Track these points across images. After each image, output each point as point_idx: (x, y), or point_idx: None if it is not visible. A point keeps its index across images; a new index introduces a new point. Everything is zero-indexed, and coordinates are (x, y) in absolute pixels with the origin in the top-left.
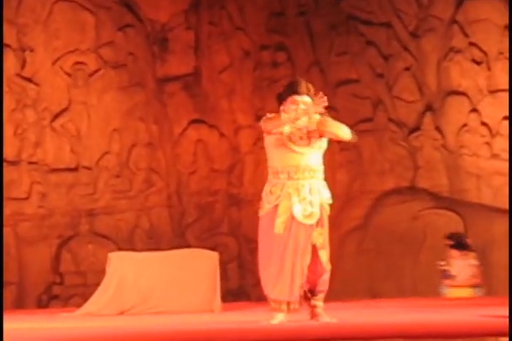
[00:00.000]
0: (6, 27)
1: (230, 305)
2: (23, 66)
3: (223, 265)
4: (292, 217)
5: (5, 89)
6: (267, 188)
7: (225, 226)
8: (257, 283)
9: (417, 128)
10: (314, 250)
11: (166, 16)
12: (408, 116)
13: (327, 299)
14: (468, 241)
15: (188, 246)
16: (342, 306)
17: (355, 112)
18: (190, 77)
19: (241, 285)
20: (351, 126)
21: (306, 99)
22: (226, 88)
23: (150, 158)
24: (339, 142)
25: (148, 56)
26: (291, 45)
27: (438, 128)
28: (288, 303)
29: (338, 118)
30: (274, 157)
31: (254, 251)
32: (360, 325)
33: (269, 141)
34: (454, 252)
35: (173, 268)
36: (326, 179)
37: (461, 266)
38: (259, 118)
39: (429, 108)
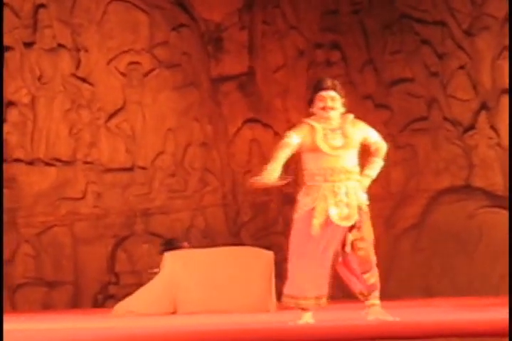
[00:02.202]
0: (60, 27)
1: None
2: (77, 66)
3: (278, 264)
4: (329, 219)
5: (60, 89)
6: (303, 191)
7: (279, 226)
8: None
9: (471, 127)
10: (353, 250)
11: (220, 16)
12: (463, 114)
13: (383, 296)
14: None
15: (243, 245)
16: (397, 305)
17: (410, 111)
18: (245, 76)
19: None
20: (406, 125)
21: (333, 93)
22: (280, 87)
23: (205, 158)
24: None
25: (202, 56)
26: (345, 43)
27: (493, 127)
28: (316, 298)
29: (392, 117)
30: (309, 159)
31: None
32: (415, 323)
33: (303, 143)
34: None
35: (228, 266)
36: (380, 177)
37: None
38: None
39: (483, 106)
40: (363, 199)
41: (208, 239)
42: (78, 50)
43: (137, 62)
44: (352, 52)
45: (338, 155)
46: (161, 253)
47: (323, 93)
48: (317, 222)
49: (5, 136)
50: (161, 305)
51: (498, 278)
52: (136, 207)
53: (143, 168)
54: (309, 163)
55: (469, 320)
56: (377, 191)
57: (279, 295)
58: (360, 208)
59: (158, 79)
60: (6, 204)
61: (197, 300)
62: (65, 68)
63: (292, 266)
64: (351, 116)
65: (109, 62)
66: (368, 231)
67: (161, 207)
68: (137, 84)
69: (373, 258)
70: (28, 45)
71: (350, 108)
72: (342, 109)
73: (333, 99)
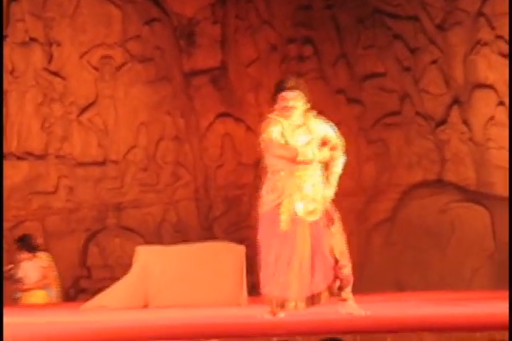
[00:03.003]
0: (32, 21)
1: (256, 298)
2: (50, 60)
3: (250, 259)
4: (295, 215)
5: (32, 83)
6: (266, 187)
7: (252, 220)
8: None
9: (444, 122)
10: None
11: (193, 10)
12: (435, 109)
13: (354, 291)
14: (38, 241)
15: (215, 240)
16: (368, 299)
17: (382, 106)
18: (217, 70)
19: None
20: (378, 120)
21: (294, 94)
22: (253, 82)
23: (177, 152)
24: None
25: (174, 50)
26: (317, 38)
27: (465, 122)
28: (295, 301)
29: (364, 111)
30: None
31: None
32: (385, 317)
33: (268, 140)
34: (24, 254)
35: (200, 262)
36: (352, 172)
37: (30, 268)
38: None
39: (456, 101)
40: (329, 194)
41: (180, 234)
42: (50, 44)
43: (109, 56)
44: (324, 46)
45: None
46: (19, 249)
47: (285, 93)
48: (284, 217)
49: None
50: (133, 298)
51: (470, 272)
52: (108, 201)
53: (115, 162)
54: (273, 158)
55: (440, 315)
56: (349, 185)
57: (251, 289)
58: (326, 202)
59: (131, 73)
60: None
61: (169, 294)
62: (37, 62)
63: (263, 264)
64: (313, 112)
65: (81, 56)
66: (338, 225)
67: (133, 201)
68: (109, 78)
69: (347, 252)
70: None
71: (322, 102)
72: (304, 107)
73: (294, 99)
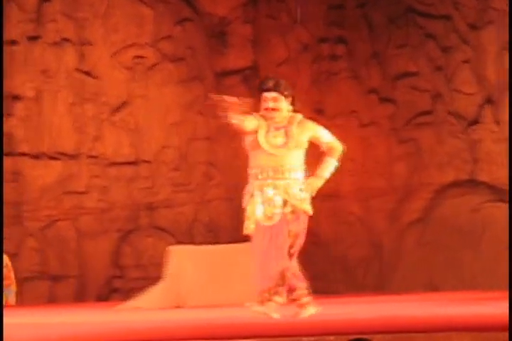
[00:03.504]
0: (64, 21)
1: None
2: (82, 60)
3: None
4: (256, 219)
5: (64, 83)
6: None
7: None
8: (316, 276)
9: (476, 121)
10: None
11: (225, 10)
12: (467, 108)
13: (387, 291)
14: None
15: (247, 240)
16: (401, 299)
17: (414, 105)
18: (249, 70)
19: None
20: (410, 119)
21: (274, 94)
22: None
23: (209, 152)
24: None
25: (206, 50)
26: (350, 37)
27: (497, 121)
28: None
29: (397, 111)
30: (251, 157)
31: (313, 244)
32: (417, 317)
33: (246, 141)
34: None
35: (232, 262)
36: (384, 171)
37: None
38: (318, 111)
39: (488, 100)
40: (297, 198)
41: (212, 233)
42: (82, 44)
43: (141, 56)
44: (357, 46)
45: (276, 154)
46: None
47: (265, 94)
48: (249, 222)
49: (11, 129)
50: (166, 299)
51: (502, 271)
52: (140, 201)
53: (147, 162)
54: (250, 161)
55: (472, 314)
56: (380, 185)
57: None
58: (295, 207)
59: (163, 73)
60: (10, 198)
61: (201, 294)
62: (69, 62)
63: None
64: (299, 116)
65: (113, 56)
66: (303, 235)
67: (164, 200)
68: (141, 78)
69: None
70: (33, 39)
71: (354, 102)
72: (287, 108)
73: (275, 100)
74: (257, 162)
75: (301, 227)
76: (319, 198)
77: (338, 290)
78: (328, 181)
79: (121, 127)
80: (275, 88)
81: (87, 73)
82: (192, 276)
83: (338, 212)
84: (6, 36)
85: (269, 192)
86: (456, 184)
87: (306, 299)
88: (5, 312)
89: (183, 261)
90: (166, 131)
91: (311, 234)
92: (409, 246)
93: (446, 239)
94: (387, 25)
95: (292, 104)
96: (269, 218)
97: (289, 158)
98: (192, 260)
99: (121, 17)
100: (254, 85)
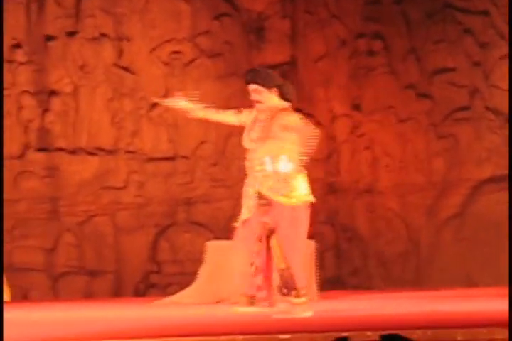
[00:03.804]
0: (103, 17)
1: (326, 293)
2: (120, 55)
3: (320, 254)
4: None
5: (102, 78)
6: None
7: (322, 215)
8: (353, 271)
9: None
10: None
11: (262, 5)
12: (505, 104)
13: (424, 287)
14: None
15: None
16: (439, 294)
17: (452, 100)
18: (287, 65)
19: (337, 274)
20: (448, 115)
21: (254, 86)
22: (322, 77)
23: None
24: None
25: (244, 45)
26: (387, 33)
27: None
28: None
29: (434, 106)
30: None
31: (350, 239)
32: (455, 313)
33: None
34: None
35: None
36: (422, 167)
37: None
38: (355, 107)
39: None
40: (276, 189)
41: None
42: (120, 39)
43: (179, 52)
44: (394, 41)
45: (252, 148)
46: None
47: (248, 87)
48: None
49: (48, 125)
50: (205, 295)
51: None
52: (178, 197)
53: (185, 157)
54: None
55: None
56: (418, 180)
57: (320, 284)
58: (269, 199)
59: (200, 69)
60: (47, 194)
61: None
62: (107, 57)
63: None
64: (285, 106)
65: (151, 52)
66: (287, 227)
67: (202, 196)
68: (179, 73)
69: (290, 255)
70: (71, 34)
71: (392, 97)
72: (274, 100)
73: (256, 92)
74: (247, 156)
75: (284, 221)
76: (356, 194)
77: (375, 286)
78: (365, 176)
79: (159, 122)
80: (253, 80)
81: (125, 68)
82: (230, 272)
83: (376, 207)
84: (44, 31)
85: (249, 184)
86: (493, 179)
87: (302, 299)
88: (43, 307)
89: (221, 256)
90: (203, 127)
91: (348, 229)
92: (446, 242)
93: (483, 235)
94: (424, 20)
95: (283, 93)
96: (249, 211)
97: (264, 151)
98: (230, 255)
99: (158, 12)
100: (292, 81)
